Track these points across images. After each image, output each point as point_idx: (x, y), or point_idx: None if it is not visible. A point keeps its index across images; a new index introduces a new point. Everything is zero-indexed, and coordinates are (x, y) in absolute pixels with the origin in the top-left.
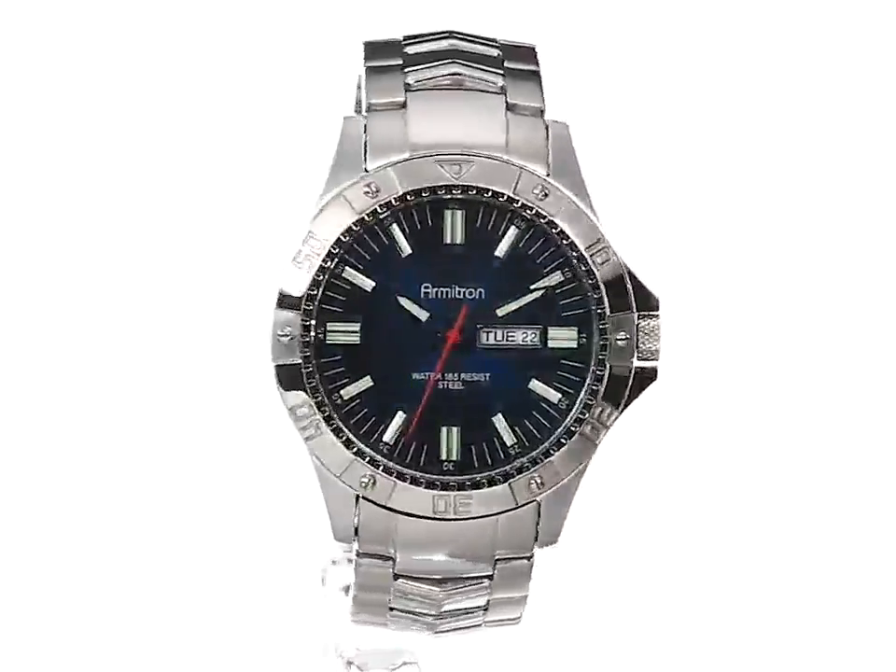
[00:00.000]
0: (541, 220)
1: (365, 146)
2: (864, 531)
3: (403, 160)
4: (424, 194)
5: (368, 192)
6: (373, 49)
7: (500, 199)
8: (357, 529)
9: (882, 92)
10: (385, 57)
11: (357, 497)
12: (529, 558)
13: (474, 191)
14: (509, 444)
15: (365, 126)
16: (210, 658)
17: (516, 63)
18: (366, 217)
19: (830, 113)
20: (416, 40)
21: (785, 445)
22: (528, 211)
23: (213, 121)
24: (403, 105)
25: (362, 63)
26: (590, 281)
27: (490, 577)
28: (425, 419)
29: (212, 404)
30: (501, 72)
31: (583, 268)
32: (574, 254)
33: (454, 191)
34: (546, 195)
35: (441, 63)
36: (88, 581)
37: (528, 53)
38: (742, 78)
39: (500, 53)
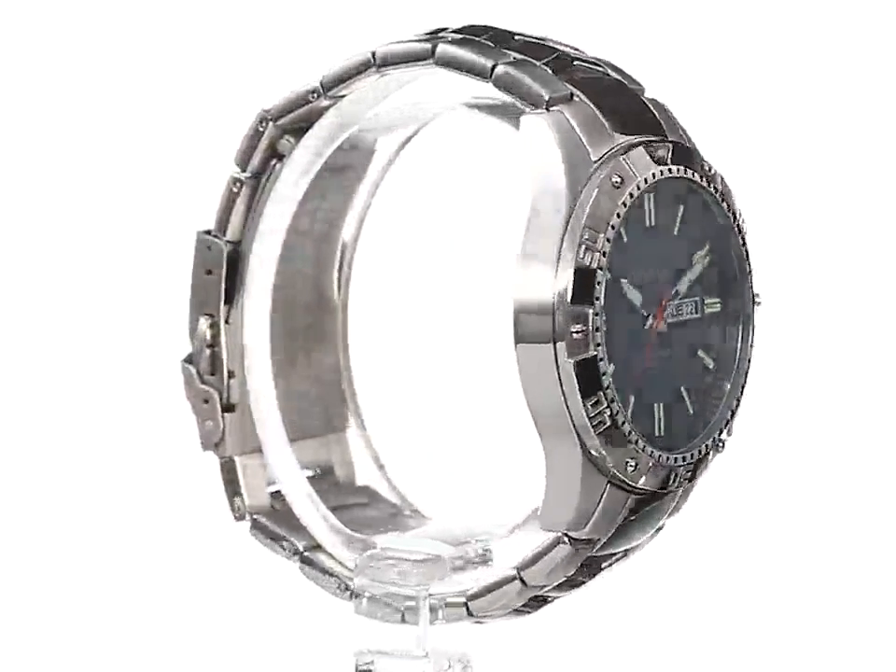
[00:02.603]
0: (713, 195)
1: (580, 138)
2: None
3: (622, 148)
4: (653, 180)
5: (616, 184)
6: (475, 48)
7: (691, 178)
8: (591, 516)
9: None
10: (497, 55)
11: (607, 483)
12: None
13: (684, 173)
14: (691, 413)
15: (567, 118)
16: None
17: (577, 51)
18: (622, 208)
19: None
20: (482, 38)
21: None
22: (707, 187)
23: None
24: (571, 98)
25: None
26: (744, 248)
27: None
28: (643, 399)
29: None
30: (584, 57)
31: (739, 237)
32: (734, 224)
33: (671, 173)
34: (712, 170)
35: (551, 57)
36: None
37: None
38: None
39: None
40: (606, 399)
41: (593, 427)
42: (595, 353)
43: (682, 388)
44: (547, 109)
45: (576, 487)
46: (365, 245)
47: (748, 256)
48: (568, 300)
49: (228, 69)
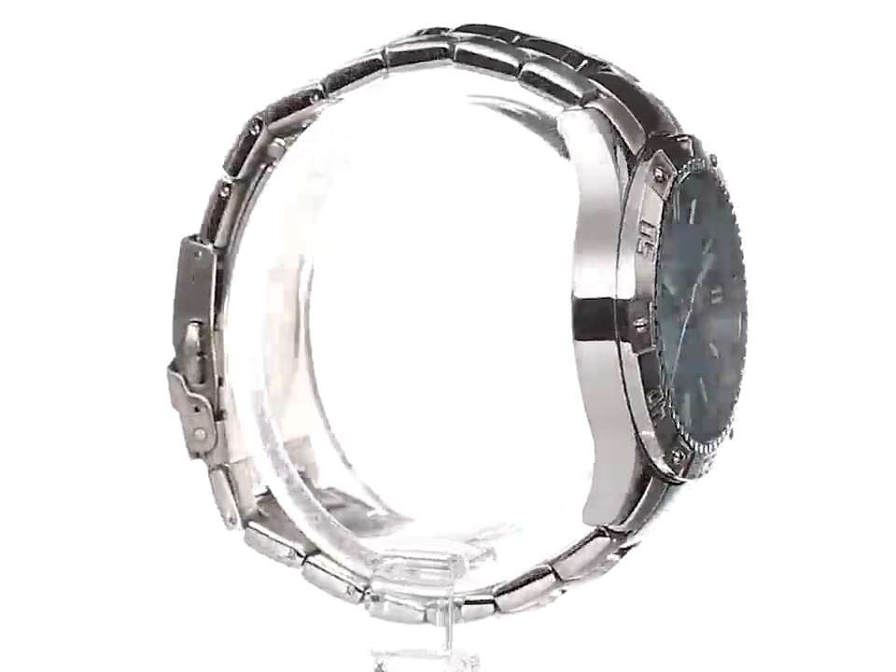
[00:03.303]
0: (717, 186)
1: (619, 134)
2: None
3: (654, 143)
4: (685, 174)
5: (659, 178)
6: (495, 47)
7: (706, 171)
8: (633, 509)
9: None
10: (518, 54)
11: (651, 475)
12: None
13: (703, 165)
14: (706, 403)
15: (604, 113)
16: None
17: (579, 47)
18: (665, 202)
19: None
20: (492, 37)
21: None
22: (714, 178)
23: None
24: (597, 95)
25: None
26: (739, 236)
27: None
28: (678, 391)
29: None
30: (587, 54)
31: (736, 227)
32: (732, 214)
33: (696, 167)
34: (717, 162)
35: (566, 55)
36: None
37: None
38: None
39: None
40: (663, 391)
41: (651, 419)
42: (656, 346)
43: (700, 379)
44: (582, 106)
45: (627, 481)
46: (332, 248)
47: (741, 245)
48: (632, 295)
49: (207, 74)
